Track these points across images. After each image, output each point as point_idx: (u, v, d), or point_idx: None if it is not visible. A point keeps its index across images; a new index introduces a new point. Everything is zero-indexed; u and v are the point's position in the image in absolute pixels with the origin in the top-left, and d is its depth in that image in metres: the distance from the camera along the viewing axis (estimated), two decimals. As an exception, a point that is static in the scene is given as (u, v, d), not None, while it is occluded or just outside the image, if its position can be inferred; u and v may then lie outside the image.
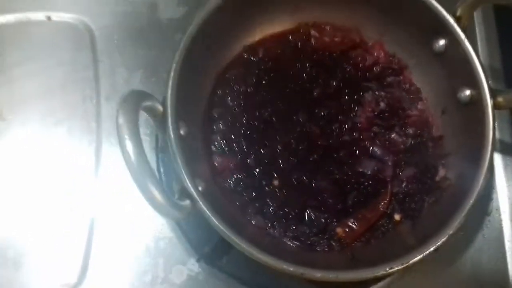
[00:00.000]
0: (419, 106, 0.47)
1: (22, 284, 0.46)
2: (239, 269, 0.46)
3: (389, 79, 0.47)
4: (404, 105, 0.47)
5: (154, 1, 0.56)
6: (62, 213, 0.48)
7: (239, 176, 0.44)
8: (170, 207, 0.33)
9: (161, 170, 0.49)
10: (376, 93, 0.47)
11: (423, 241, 0.37)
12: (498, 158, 0.52)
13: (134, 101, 0.33)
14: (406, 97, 0.47)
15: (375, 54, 0.47)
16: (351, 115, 0.46)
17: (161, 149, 0.50)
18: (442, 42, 0.42)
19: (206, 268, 0.47)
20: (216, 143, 0.45)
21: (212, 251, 0.46)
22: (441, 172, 0.43)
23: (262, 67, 0.47)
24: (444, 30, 0.41)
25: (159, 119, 0.38)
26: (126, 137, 0.31)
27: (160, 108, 0.37)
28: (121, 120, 0.31)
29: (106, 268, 0.47)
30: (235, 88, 0.46)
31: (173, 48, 0.54)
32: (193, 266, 0.47)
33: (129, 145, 0.31)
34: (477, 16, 0.55)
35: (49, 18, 0.55)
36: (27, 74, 0.53)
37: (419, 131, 0.46)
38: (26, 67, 0.53)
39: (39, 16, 0.55)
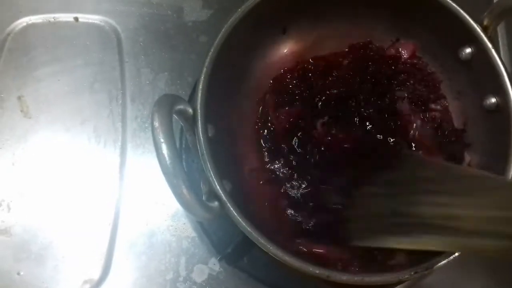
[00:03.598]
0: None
1: (45, 279, 0.47)
2: (260, 269, 0.47)
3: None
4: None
5: (179, 4, 0.58)
6: (86, 211, 0.50)
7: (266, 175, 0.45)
8: (201, 209, 0.34)
9: (185, 171, 0.50)
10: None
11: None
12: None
13: (168, 105, 0.34)
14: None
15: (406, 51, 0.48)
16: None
17: (185, 150, 0.51)
18: (468, 50, 0.43)
19: (227, 268, 0.48)
20: (243, 145, 0.46)
21: (233, 251, 0.46)
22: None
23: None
24: (471, 39, 0.42)
25: (189, 122, 0.38)
26: (162, 140, 0.32)
27: (190, 111, 0.38)
28: (156, 123, 0.32)
29: (129, 265, 0.48)
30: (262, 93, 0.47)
31: (197, 51, 0.56)
32: (214, 265, 0.48)
33: (165, 148, 0.31)
34: (500, 25, 0.55)
35: (76, 19, 0.57)
36: (55, 74, 0.55)
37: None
38: (54, 67, 0.55)
39: (67, 17, 0.57)
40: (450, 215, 0.34)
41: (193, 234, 0.49)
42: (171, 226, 0.49)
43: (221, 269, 0.48)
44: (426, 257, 0.37)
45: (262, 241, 0.36)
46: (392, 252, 0.40)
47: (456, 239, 0.33)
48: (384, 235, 0.37)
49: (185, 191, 0.32)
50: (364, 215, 0.41)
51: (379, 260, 0.41)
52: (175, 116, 0.37)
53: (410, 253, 0.40)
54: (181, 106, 0.36)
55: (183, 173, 0.32)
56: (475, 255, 0.48)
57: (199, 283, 0.47)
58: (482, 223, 0.32)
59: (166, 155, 0.31)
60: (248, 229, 0.36)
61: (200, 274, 0.48)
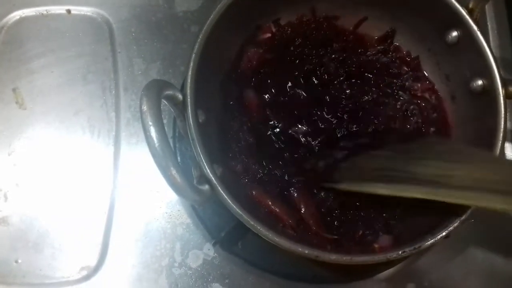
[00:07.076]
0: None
1: (43, 266, 0.48)
2: (254, 253, 0.48)
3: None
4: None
5: (170, -6, 0.58)
6: (82, 199, 0.50)
7: (255, 161, 0.45)
8: (191, 191, 0.34)
9: (178, 158, 0.50)
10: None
11: (434, 226, 0.38)
12: (509, 148, 0.53)
13: (157, 90, 0.34)
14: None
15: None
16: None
17: (178, 138, 0.51)
18: (455, 33, 0.43)
19: (222, 253, 0.48)
20: (232, 129, 0.46)
21: (227, 236, 0.47)
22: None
23: (275, 56, 0.48)
24: (457, 22, 0.42)
25: (179, 108, 0.39)
26: (150, 123, 0.32)
27: (180, 97, 0.38)
28: (145, 107, 0.32)
29: (125, 251, 0.49)
30: (250, 78, 0.47)
31: (189, 40, 0.56)
32: (209, 250, 0.49)
33: (153, 131, 0.32)
34: (488, 8, 0.56)
35: (69, 11, 0.57)
36: (48, 66, 0.55)
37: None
38: (47, 59, 0.55)
39: (59, 10, 0.57)
40: (442, 174, 0.37)
41: (188, 220, 0.50)
42: (166, 213, 0.50)
43: (215, 254, 0.48)
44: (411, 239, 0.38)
45: (252, 223, 0.37)
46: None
47: (443, 190, 0.36)
48: (374, 183, 0.40)
49: (174, 172, 0.32)
50: (361, 167, 0.42)
51: (364, 242, 0.41)
52: (166, 103, 0.38)
53: (395, 237, 0.41)
54: (170, 92, 0.37)
55: (172, 155, 0.32)
56: (465, 235, 0.49)
57: (194, 268, 0.48)
58: (468, 181, 0.36)
59: (154, 138, 0.32)
60: (238, 211, 0.37)
61: (195, 259, 0.48)
